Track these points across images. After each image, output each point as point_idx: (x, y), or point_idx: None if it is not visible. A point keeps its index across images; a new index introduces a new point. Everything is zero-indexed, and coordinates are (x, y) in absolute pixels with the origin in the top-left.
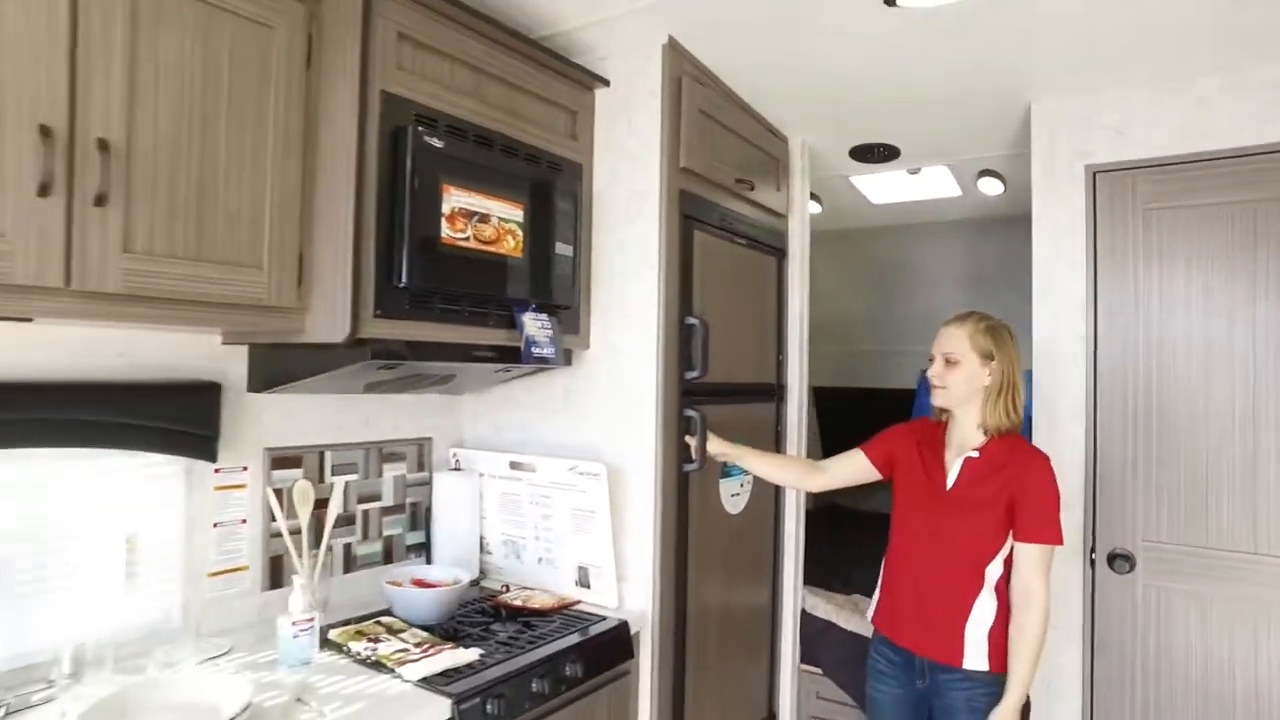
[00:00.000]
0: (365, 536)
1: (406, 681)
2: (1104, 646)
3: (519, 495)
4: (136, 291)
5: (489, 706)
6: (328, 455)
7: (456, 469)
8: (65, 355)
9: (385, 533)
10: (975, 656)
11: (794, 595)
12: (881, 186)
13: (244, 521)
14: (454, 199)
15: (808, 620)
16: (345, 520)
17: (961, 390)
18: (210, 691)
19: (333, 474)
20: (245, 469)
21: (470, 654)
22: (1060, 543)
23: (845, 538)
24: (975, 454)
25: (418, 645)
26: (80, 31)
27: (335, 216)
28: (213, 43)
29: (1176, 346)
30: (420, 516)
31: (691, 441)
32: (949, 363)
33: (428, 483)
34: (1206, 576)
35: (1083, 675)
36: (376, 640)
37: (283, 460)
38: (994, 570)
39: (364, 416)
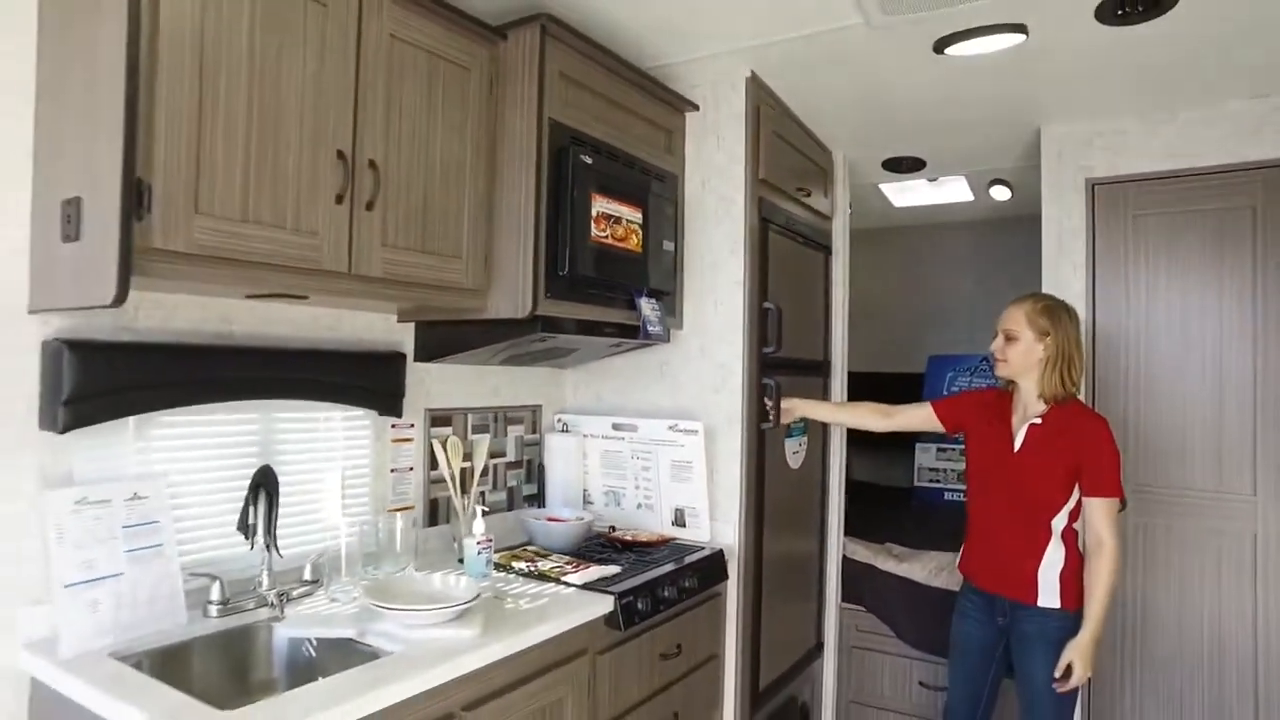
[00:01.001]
0: (494, 486)
1: (571, 586)
2: None
3: (621, 452)
4: (389, 276)
5: (639, 604)
6: (469, 417)
7: (564, 431)
8: (293, 329)
9: (509, 484)
10: (1048, 595)
11: (837, 541)
12: (904, 192)
13: (411, 469)
14: (598, 205)
15: (848, 564)
16: (468, 474)
17: (1019, 363)
18: (439, 585)
19: (472, 432)
20: (412, 425)
21: (612, 569)
22: (1120, 496)
23: (868, 506)
24: (1039, 420)
25: (567, 563)
26: (360, 83)
27: (515, 218)
28: (433, 84)
29: (1159, 328)
30: (534, 471)
31: (770, 403)
32: (1008, 338)
33: (539, 443)
34: (1181, 513)
35: None
36: (533, 560)
37: (438, 419)
38: (1059, 522)
39: (493, 386)
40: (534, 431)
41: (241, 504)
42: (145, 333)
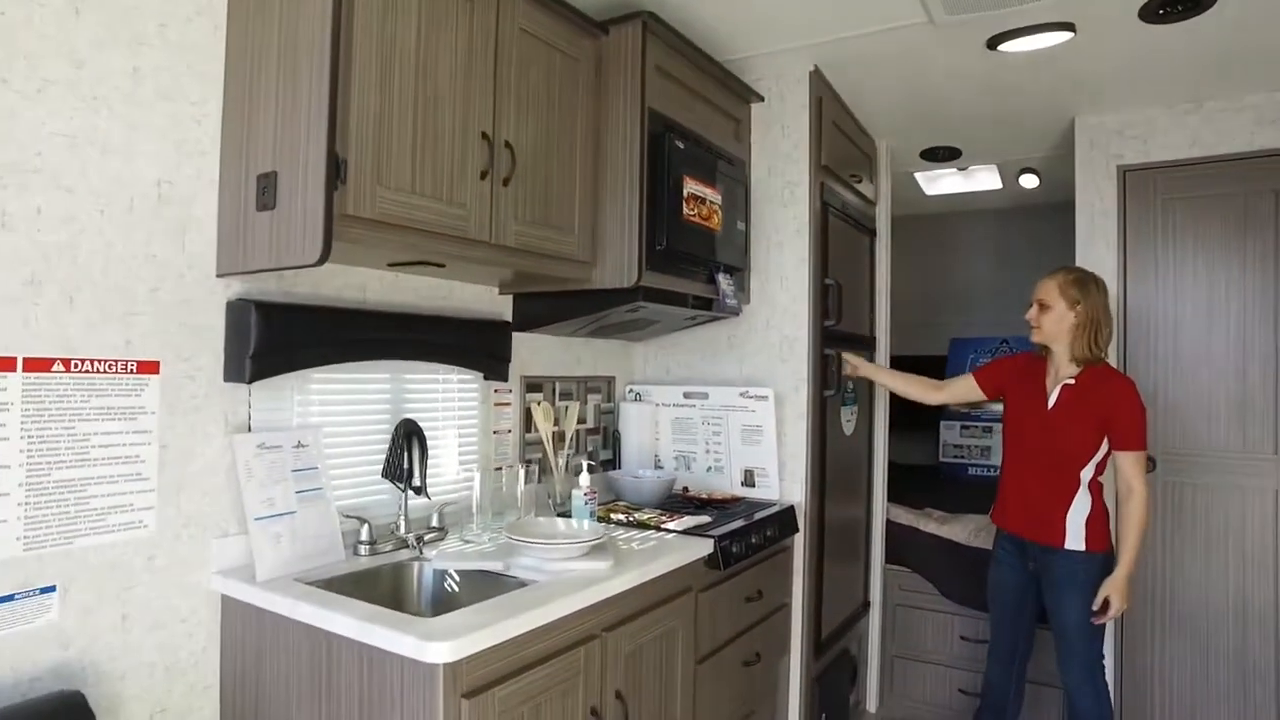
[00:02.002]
0: (575, 450)
1: (672, 532)
2: None
3: (691, 418)
4: (520, 246)
5: (734, 547)
6: (557, 385)
7: (636, 400)
8: (416, 297)
9: (588, 449)
10: (1074, 539)
11: (882, 505)
12: (935, 180)
13: (510, 431)
14: (689, 187)
15: (891, 527)
16: (560, 437)
17: (1051, 329)
18: (563, 527)
19: (559, 399)
20: (510, 390)
21: (704, 518)
22: (1145, 448)
23: (898, 481)
24: (1071, 381)
25: (660, 515)
26: (498, 72)
27: (619, 196)
28: (550, 74)
29: (1186, 303)
30: (609, 437)
31: (836, 361)
32: (1042, 307)
33: (613, 411)
34: (1208, 472)
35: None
36: (628, 513)
37: (531, 386)
38: (1087, 473)
39: (576, 356)
40: (609, 400)
41: (385, 453)
42: (302, 297)
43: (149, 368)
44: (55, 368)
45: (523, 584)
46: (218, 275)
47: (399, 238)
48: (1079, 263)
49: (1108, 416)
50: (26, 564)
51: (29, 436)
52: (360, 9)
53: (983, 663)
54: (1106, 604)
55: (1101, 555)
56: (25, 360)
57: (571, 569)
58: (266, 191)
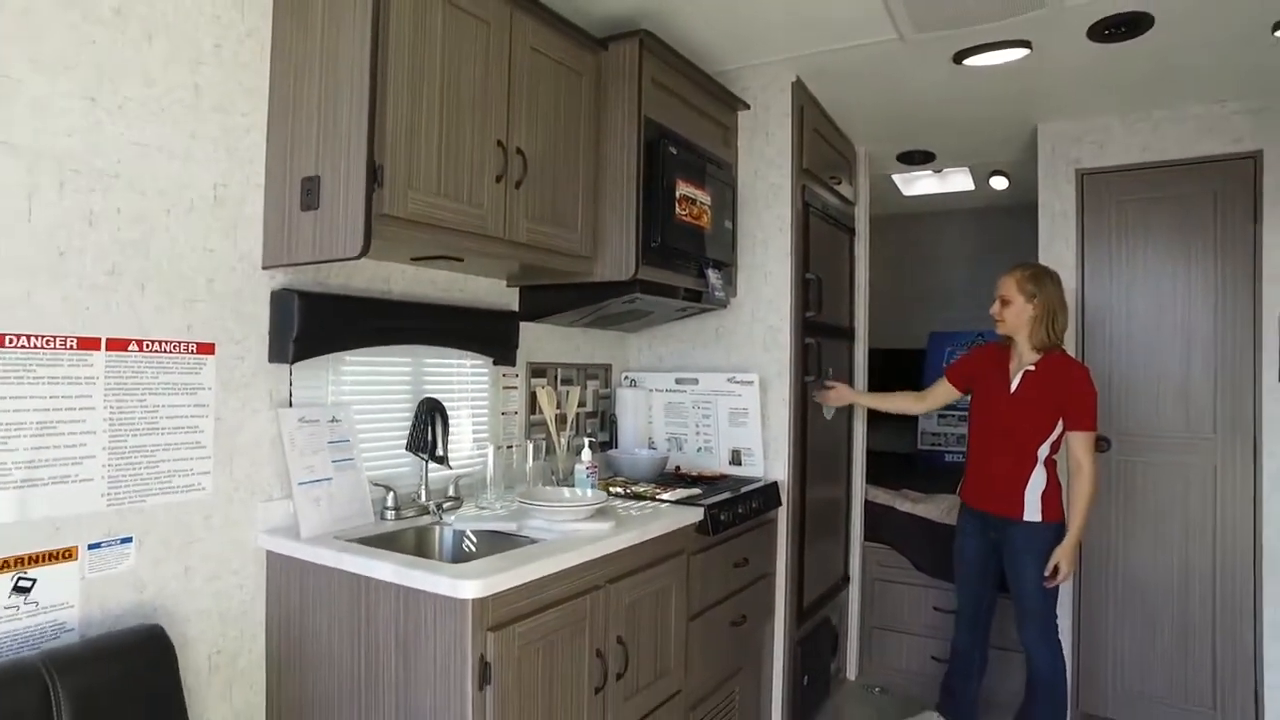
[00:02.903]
0: (576, 432)
1: (666, 502)
2: None
3: (683, 403)
4: (531, 242)
5: (722, 515)
6: (559, 371)
7: (631, 386)
8: (433, 288)
9: (586, 431)
10: (1031, 511)
11: (860, 486)
12: (912, 182)
13: (516, 412)
14: (681, 189)
15: (869, 506)
16: (562, 419)
17: (1013, 322)
18: (568, 495)
19: (561, 384)
20: (518, 375)
21: (695, 490)
22: (1094, 429)
23: (876, 468)
24: (1032, 368)
25: (654, 488)
26: (511, 86)
27: (618, 197)
28: (557, 86)
29: (1137, 296)
30: (606, 420)
31: (822, 394)
32: (1003, 302)
33: (610, 396)
34: (1155, 451)
35: None
36: (625, 486)
37: (536, 371)
38: (1043, 451)
39: (576, 345)
40: (606, 386)
41: (409, 428)
42: (336, 288)
43: (206, 349)
44: (130, 348)
45: (534, 542)
46: (263, 268)
47: (427, 235)
48: (1041, 259)
49: (1063, 400)
50: (109, 517)
51: (110, 407)
52: (394, 35)
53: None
54: (1057, 569)
55: (1055, 525)
56: (108, 340)
57: (578, 529)
58: (310, 193)
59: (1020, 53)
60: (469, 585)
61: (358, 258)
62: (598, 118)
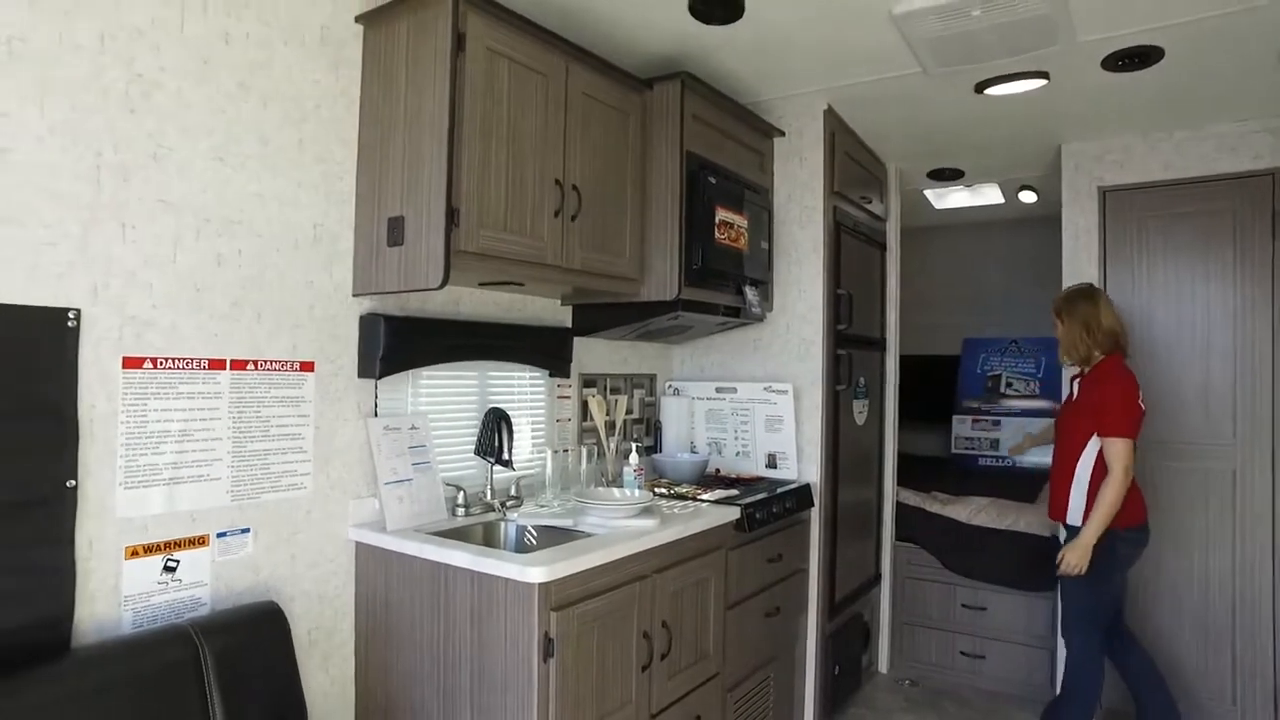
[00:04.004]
0: (623, 437)
1: (706, 502)
2: None
3: (722, 410)
4: (584, 268)
5: (758, 514)
6: (608, 381)
7: (675, 394)
8: (497, 309)
9: (633, 436)
10: (1074, 515)
11: (891, 488)
12: (943, 196)
13: (569, 419)
14: (720, 215)
15: (900, 508)
16: (611, 425)
17: (1062, 343)
18: (618, 495)
19: (610, 393)
20: (570, 385)
21: (732, 491)
22: (1121, 435)
23: (911, 470)
24: (1080, 378)
25: (697, 489)
26: (567, 130)
27: (662, 225)
28: (606, 126)
29: (1158, 308)
30: (652, 426)
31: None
32: (1055, 326)
33: (654, 404)
34: (1177, 457)
35: None
36: (668, 488)
37: (587, 382)
38: (1088, 456)
39: (624, 357)
40: (651, 395)
41: (476, 435)
42: (414, 310)
43: (308, 367)
44: (249, 367)
45: (589, 536)
46: (353, 295)
47: (495, 266)
48: (1064, 273)
49: (1096, 407)
50: (232, 511)
51: (233, 418)
52: (469, 94)
53: (984, 628)
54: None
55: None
56: (231, 361)
57: (628, 524)
58: (396, 231)
59: (1039, 83)
60: (536, 571)
61: (438, 288)
62: (643, 152)
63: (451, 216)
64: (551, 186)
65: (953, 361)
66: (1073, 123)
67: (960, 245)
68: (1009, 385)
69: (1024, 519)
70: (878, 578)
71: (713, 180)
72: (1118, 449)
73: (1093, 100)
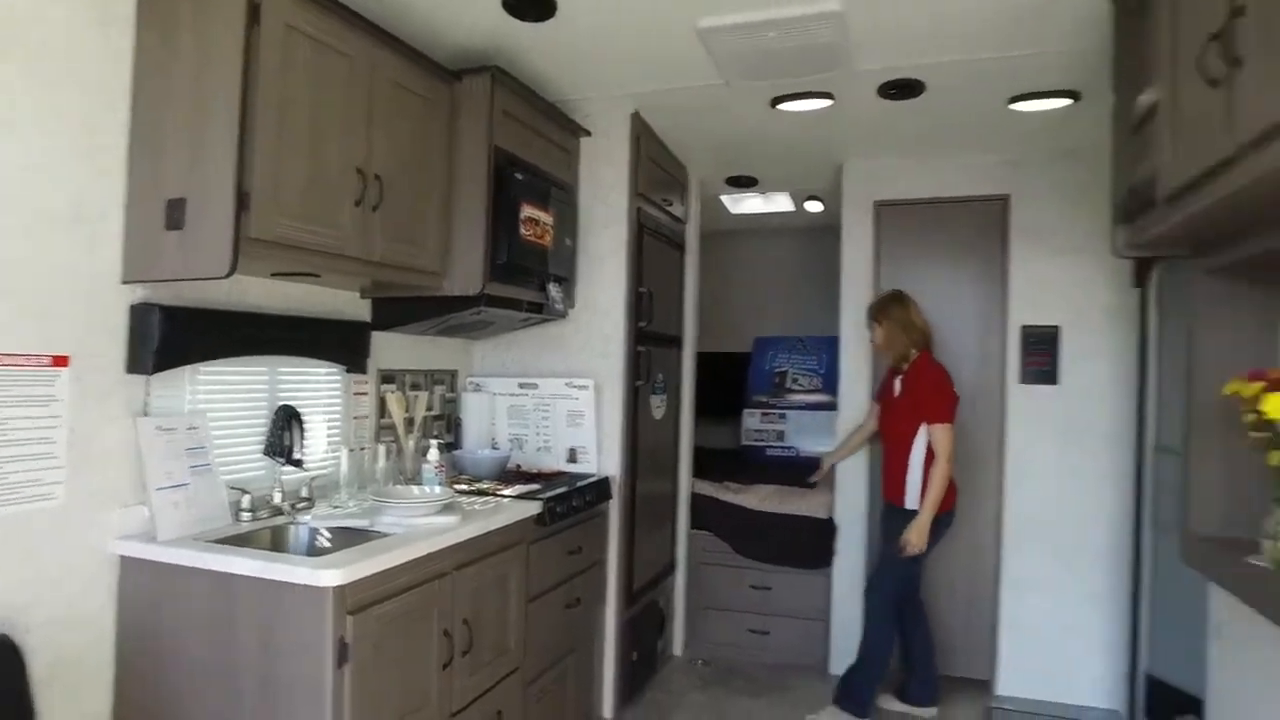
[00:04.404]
0: (423, 434)
1: (507, 497)
2: None
3: (524, 406)
4: (386, 261)
5: (558, 508)
6: (408, 377)
7: (476, 390)
8: (288, 301)
9: (433, 433)
10: (911, 500)
11: (687, 479)
12: (739, 202)
13: (366, 417)
14: (526, 211)
15: (694, 498)
16: (410, 422)
17: (882, 344)
18: (418, 493)
19: (409, 389)
20: (368, 382)
21: (533, 486)
22: (946, 421)
23: (703, 462)
24: (903, 373)
25: (498, 484)
26: (372, 118)
27: (468, 218)
28: (414, 116)
29: (922, 301)
30: (452, 423)
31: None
32: (872, 331)
33: (455, 400)
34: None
35: (866, 508)
36: (469, 484)
37: (386, 378)
38: (917, 445)
39: (423, 352)
40: (452, 391)
41: (265, 434)
42: (194, 300)
43: (61, 361)
44: None
45: (386, 535)
46: (123, 282)
47: (291, 255)
48: (844, 277)
49: (920, 398)
50: None
51: None
52: (263, 69)
53: (769, 606)
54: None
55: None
56: None
57: (427, 522)
58: (175, 213)
59: (825, 103)
60: (330, 574)
61: (225, 277)
62: (451, 145)
63: (242, 201)
64: (353, 175)
65: (744, 359)
66: (853, 142)
67: (753, 249)
68: (794, 381)
69: (805, 504)
70: (673, 565)
71: (520, 176)
72: (942, 434)
73: (870, 123)
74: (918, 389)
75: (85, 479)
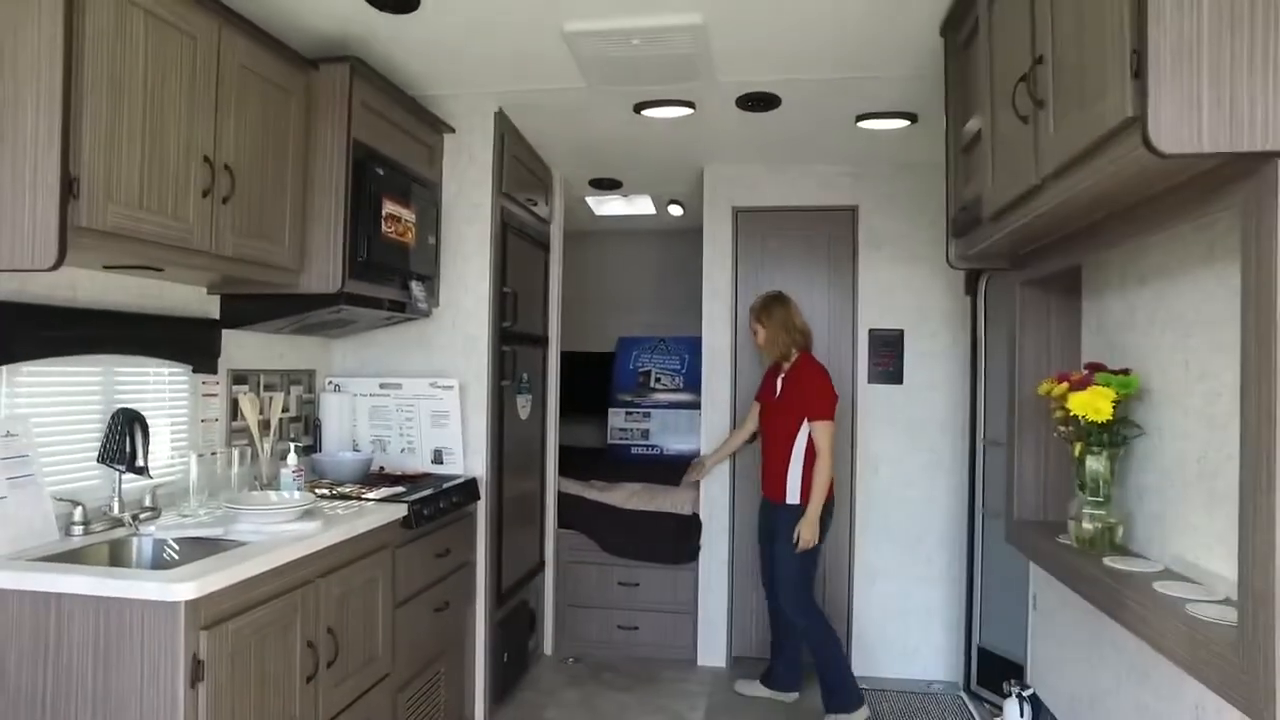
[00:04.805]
0: (281, 438)
1: (371, 500)
2: None
3: (387, 406)
4: (237, 256)
5: (424, 510)
6: (262, 377)
7: (335, 391)
8: (126, 295)
9: (290, 436)
10: (792, 495)
11: (553, 478)
12: (603, 204)
13: (217, 420)
14: (387, 207)
15: (561, 497)
16: (265, 424)
17: (764, 345)
18: (275, 498)
19: (264, 390)
20: (218, 382)
21: (398, 489)
22: (822, 418)
23: (570, 461)
24: (784, 373)
25: (360, 489)
26: (219, 103)
27: (325, 213)
28: (266, 104)
29: None
30: (310, 425)
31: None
32: (755, 332)
33: (314, 401)
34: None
35: (729, 503)
36: (330, 488)
37: (238, 379)
38: (799, 443)
39: (279, 352)
40: (310, 391)
41: (101, 440)
42: (10, 294)
43: None
44: None
45: (242, 545)
46: None
47: (129, 247)
48: (705, 278)
49: (803, 397)
50: None
51: None
52: (90, 45)
53: (637, 602)
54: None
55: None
56: None
57: (286, 529)
58: None
59: (686, 111)
60: (182, 587)
61: (51, 269)
62: (307, 135)
63: (69, 186)
64: (200, 163)
65: (608, 358)
66: (714, 149)
67: (616, 250)
68: (658, 380)
69: (670, 500)
70: (541, 564)
71: (381, 171)
72: (823, 430)
73: (729, 132)
74: (800, 387)
75: None
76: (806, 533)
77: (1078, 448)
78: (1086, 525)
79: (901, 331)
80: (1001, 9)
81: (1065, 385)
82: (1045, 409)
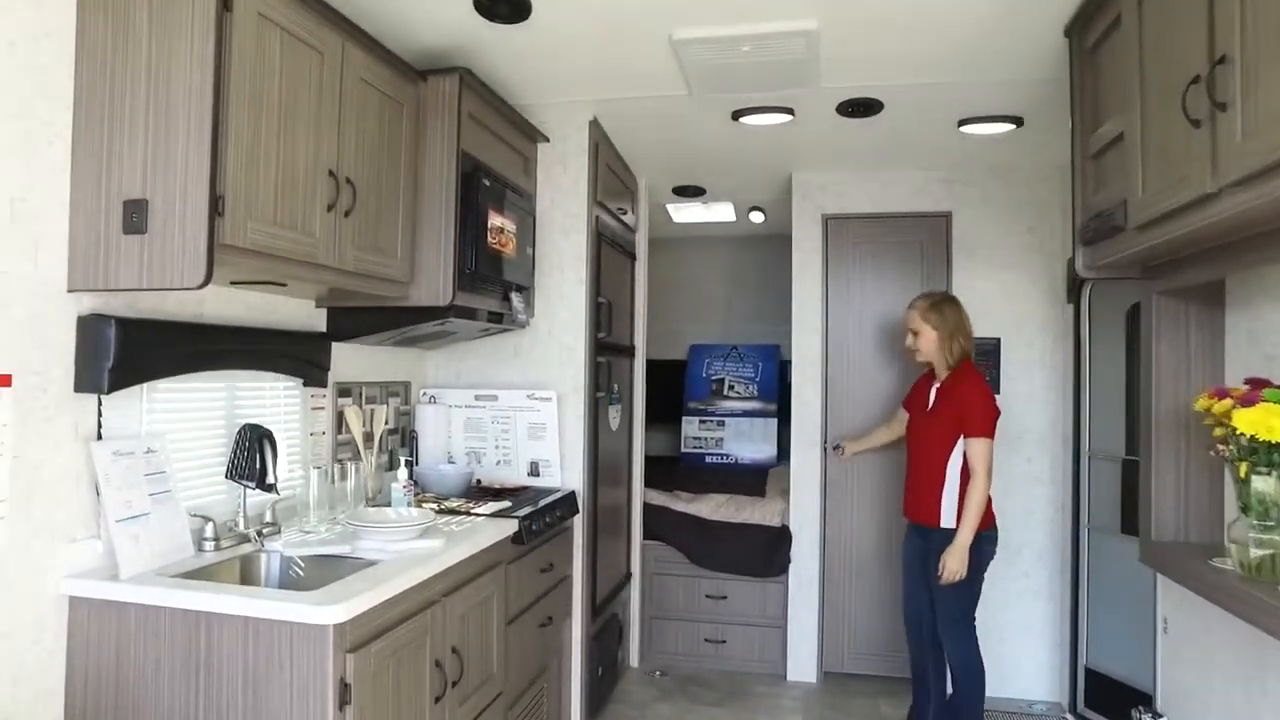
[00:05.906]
0: (381, 450)
1: (481, 515)
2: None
3: (482, 418)
4: (357, 270)
5: (533, 525)
6: (364, 389)
7: (431, 402)
8: (246, 310)
9: (389, 447)
10: (947, 518)
11: (639, 489)
12: (681, 210)
13: (324, 433)
14: (493, 219)
15: (647, 508)
16: (369, 436)
17: (926, 349)
18: (393, 515)
19: (365, 403)
20: (325, 395)
21: (504, 503)
22: (985, 435)
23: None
24: (940, 384)
25: (467, 502)
26: (342, 118)
27: (435, 226)
28: (382, 117)
29: (865, 315)
30: (407, 436)
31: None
32: (914, 334)
33: (409, 412)
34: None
35: (820, 514)
36: (436, 502)
37: (342, 391)
38: (954, 460)
39: (378, 363)
40: (406, 403)
41: (228, 455)
42: (149, 311)
43: (3, 381)
44: None
45: (370, 563)
46: (69, 291)
47: (264, 264)
48: (795, 287)
49: (959, 410)
50: None
51: None
52: (236, 63)
53: (725, 615)
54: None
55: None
56: None
57: (412, 547)
58: (136, 217)
59: (785, 118)
60: (331, 610)
61: (199, 287)
62: (417, 148)
63: (216, 205)
64: (325, 177)
65: (680, 365)
66: (805, 156)
67: (690, 256)
68: (730, 388)
69: (759, 512)
70: (629, 576)
71: (487, 183)
72: (982, 449)
73: (824, 138)
74: (958, 399)
75: (31, 513)
76: (953, 562)
77: (1243, 468)
78: (1255, 551)
79: (999, 340)
80: (1158, 7)
81: (1229, 401)
82: (1186, 424)
